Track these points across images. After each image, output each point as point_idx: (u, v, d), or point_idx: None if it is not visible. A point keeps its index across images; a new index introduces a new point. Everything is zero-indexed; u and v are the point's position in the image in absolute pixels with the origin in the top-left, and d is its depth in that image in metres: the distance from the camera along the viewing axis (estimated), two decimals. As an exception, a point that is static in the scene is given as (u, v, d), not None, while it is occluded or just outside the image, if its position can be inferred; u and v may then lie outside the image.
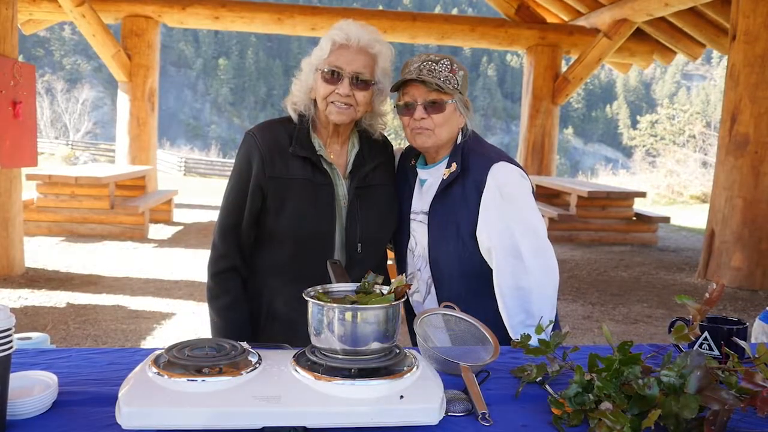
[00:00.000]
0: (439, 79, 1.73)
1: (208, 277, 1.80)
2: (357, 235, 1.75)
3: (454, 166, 1.79)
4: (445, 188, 1.79)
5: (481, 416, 1.14)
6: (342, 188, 1.77)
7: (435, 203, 1.81)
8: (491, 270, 1.76)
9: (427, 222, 1.82)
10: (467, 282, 1.80)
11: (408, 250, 1.89)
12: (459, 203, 1.78)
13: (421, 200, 1.85)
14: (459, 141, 1.84)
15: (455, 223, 1.78)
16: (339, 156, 1.80)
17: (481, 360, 1.39)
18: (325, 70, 1.68)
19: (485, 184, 1.75)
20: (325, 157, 1.76)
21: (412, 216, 1.87)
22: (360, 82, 1.69)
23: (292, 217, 1.71)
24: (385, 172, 1.87)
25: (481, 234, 1.76)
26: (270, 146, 1.73)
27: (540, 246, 1.74)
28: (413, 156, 1.94)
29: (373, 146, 1.85)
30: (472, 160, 1.79)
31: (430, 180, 1.85)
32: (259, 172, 1.71)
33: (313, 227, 1.72)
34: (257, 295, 1.79)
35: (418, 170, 1.89)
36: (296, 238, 1.72)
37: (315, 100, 1.76)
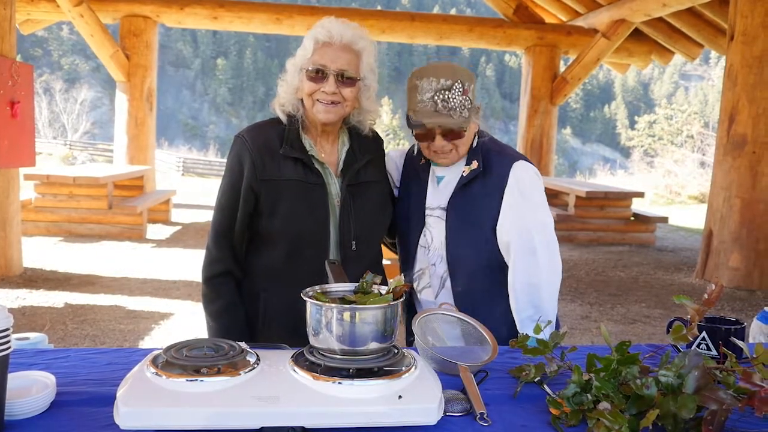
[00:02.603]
0: (455, 110, 1.74)
1: (203, 282, 1.79)
2: (351, 233, 1.75)
3: (474, 164, 1.84)
4: (465, 185, 1.83)
5: (479, 416, 1.14)
6: (335, 187, 1.77)
7: (454, 199, 1.84)
8: (506, 265, 1.82)
9: (445, 217, 1.84)
10: (483, 276, 1.84)
11: (419, 246, 1.90)
12: (480, 199, 1.82)
13: (438, 196, 1.88)
14: (476, 142, 1.87)
15: (476, 218, 1.82)
16: (330, 154, 1.80)
17: (480, 360, 1.39)
18: (310, 68, 1.68)
19: (507, 181, 1.81)
20: (316, 157, 1.75)
21: (427, 212, 1.89)
22: (346, 79, 1.68)
23: (285, 218, 1.71)
24: (377, 168, 1.87)
25: (501, 229, 1.81)
26: (261, 149, 1.72)
27: (551, 244, 1.80)
28: (422, 155, 1.94)
29: (364, 142, 1.84)
30: (493, 159, 1.84)
31: (448, 177, 1.88)
32: (251, 175, 1.71)
33: (306, 227, 1.71)
34: (253, 296, 1.79)
35: (434, 167, 1.91)
36: (290, 238, 1.72)
37: (302, 100, 1.75)
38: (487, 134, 1.90)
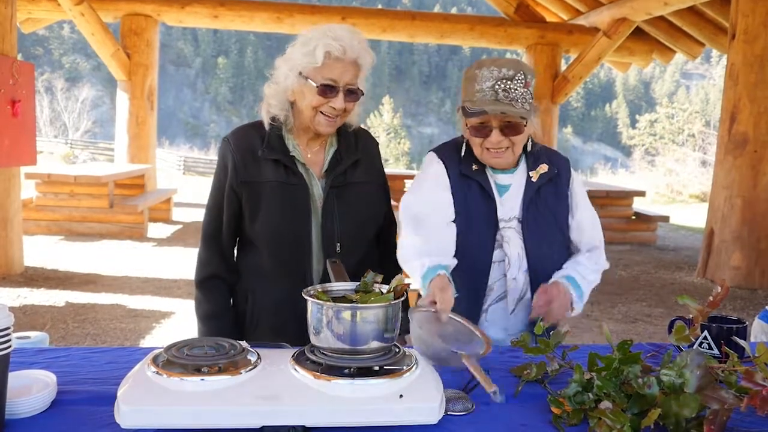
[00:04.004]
0: (517, 101, 1.64)
1: (194, 285, 1.80)
2: (335, 234, 1.72)
3: (544, 167, 1.79)
4: (537, 190, 1.77)
5: (492, 393, 1.13)
6: (317, 188, 1.75)
7: (529, 207, 1.76)
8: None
9: (521, 228, 1.76)
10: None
11: (493, 262, 1.76)
12: (554, 203, 1.80)
13: (507, 207, 1.77)
14: (530, 145, 1.80)
15: (556, 223, 1.79)
16: (317, 155, 1.78)
17: (475, 353, 1.38)
18: (321, 83, 1.64)
19: (571, 178, 1.84)
20: (299, 159, 1.74)
21: (501, 224, 1.76)
22: (351, 93, 1.67)
23: (266, 220, 1.70)
24: (366, 168, 1.82)
25: (576, 226, 1.84)
26: (243, 151, 1.72)
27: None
28: (473, 161, 1.80)
29: (352, 143, 1.81)
30: (555, 159, 1.84)
31: (513, 185, 1.79)
32: (233, 177, 1.72)
33: (288, 229, 1.71)
34: (242, 297, 1.79)
35: (497, 175, 1.79)
36: (272, 240, 1.72)
37: (292, 102, 1.72)
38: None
